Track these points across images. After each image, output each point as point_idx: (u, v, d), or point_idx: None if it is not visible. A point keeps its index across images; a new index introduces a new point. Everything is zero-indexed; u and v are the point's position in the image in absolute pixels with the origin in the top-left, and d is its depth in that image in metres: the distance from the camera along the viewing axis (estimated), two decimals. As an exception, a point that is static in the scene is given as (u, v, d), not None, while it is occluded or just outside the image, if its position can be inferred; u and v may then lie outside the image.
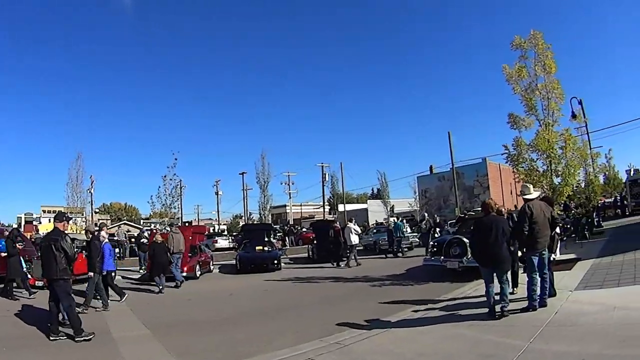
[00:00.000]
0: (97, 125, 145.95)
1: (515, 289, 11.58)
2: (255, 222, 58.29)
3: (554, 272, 12.76)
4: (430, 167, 61.07)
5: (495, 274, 9.72)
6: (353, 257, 25.17)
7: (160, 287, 17.29)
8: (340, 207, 71.04)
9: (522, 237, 9.83)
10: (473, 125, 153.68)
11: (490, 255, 9.64)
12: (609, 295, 10.11)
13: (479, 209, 13.03)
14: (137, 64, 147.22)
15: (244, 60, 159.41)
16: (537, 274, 9.69)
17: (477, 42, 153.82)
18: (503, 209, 12.56)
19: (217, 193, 80.00)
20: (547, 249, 9.95)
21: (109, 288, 14.53)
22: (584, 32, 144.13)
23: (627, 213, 40.05)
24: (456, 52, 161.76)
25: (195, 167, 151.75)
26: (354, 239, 25.56)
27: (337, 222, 35.56)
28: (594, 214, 31.21)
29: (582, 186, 27.55)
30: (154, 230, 28.44)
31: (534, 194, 10.57)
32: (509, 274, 10.29)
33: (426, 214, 32.85)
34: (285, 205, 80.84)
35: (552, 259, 11.12)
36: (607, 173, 48.16)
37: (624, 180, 48.17)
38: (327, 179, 69.92)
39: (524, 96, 15.36)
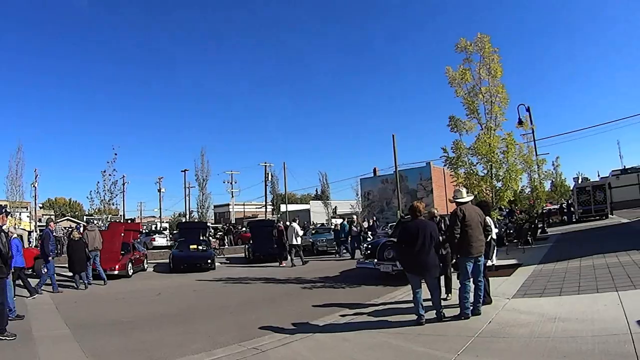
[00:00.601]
0: (41, 119, 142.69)
1: (449, 294, 11.35)
2: (191, 221, 57.10)
3: (492, 278, 12.56)
4: (374, 170, 61.41)
5: (423, 281, 9.37)
6: (298, 257, 25.14)
7: (85, 283, 17.70)
8: (283, 207, 70.65)
9: (454, 241, 9.38)
10: (419, 128, 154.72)
11: (417, 262, 9.24)
12: (549, 304, 9.75)
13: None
14: (80, 56, 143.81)
15: (186, 56, 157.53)
16: (470, 280, 9.34)
17: (428, 43, 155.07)
18: (435, 212, 12.25)
19: (159, 190, 79.81)
20: (482, 255, 9.58)
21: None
22: (542, 43, 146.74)
23: (574, 220, 41.06)
24: (404, 53, 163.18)
25: (139, 163, 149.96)
26: (298, 239, 25.50)
27: (282, 222, 35.38)
28: (538, 219, 31.53)
29: (527, 192, 27.73)
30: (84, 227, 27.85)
31: (467, 197, 10.17)
32: (448, 279, 10.05)
33: (355, 217, 32.62)
34: (228, 204, 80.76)
35: (490, 264, 10.93)
36: (553, 180, 48.62)
37: (571, 188, 48.76)
38: (269, 178, 69.82)
39: (466, 99, 15.12)
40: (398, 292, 12.87)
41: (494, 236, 10.95)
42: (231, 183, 72.23)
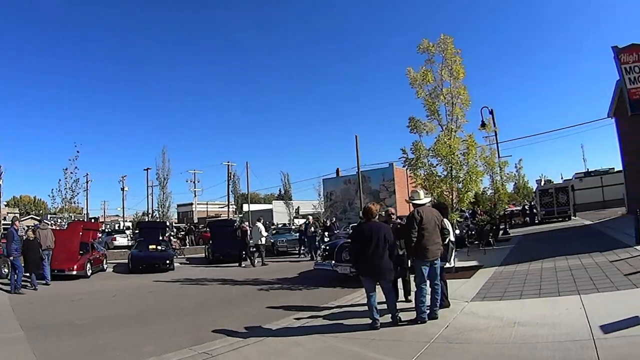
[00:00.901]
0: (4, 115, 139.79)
1: (409, 297, 11.12)
2: (150, 220, 56.34)
3: (452, 280, 12.48)
4: (337, 170, 61.36)
5: (378, 284, 9.20)
6: (260, 258, 25.08)
7: (44, 283, 17.84)
8: (246, 207, 69.94)
9: (410, 244, 9.23)
10: (383, 129, 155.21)
11: (371, 265, 9.04)
12: (509, 308, 9.64)
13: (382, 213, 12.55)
14: (43, 51, 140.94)
15: (154, 55, 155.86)
16: (427, 284, 9.19)
17: (392, 43, 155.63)
18: (393, 213, 12.09)
19: (122, 189, 78.20)
20: (439, 258, 9.45)
21: None
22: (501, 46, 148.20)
23: (536, 221, 41.47)
24: (367, 52, 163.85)
25: (104, 161, 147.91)
26: (262, 240, 25.45)
27: (245, 222, 35.16)
28: (500, 221, 31.71)
29: (489, 194, 27.81)
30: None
31: (424, 199, 10.00)
32: (406, 282, 9.92)
33: (310, 217, 32.51)
34: (191, 204, 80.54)
35: (449, 266, 10.82)
36: (516, 182, 49.16)
37: (534, 189, 49.29)
38: (232, 178, 69.66)
39: (427, 100, 15.00)
40: (356, 295, 12.66)
41: (452, 238, 10.80)
42: (194, 182, 72.74)
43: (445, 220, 10.19)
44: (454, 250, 11.09)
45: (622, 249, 15.44)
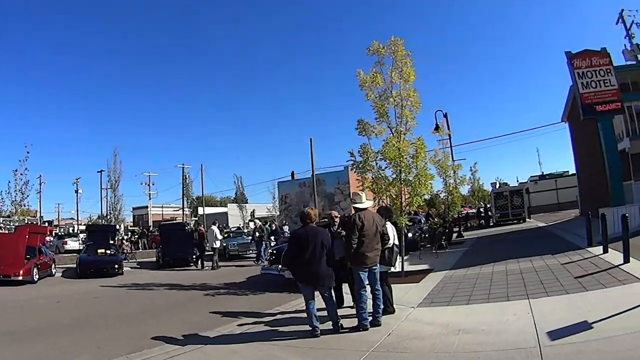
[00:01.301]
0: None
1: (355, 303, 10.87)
2: (100, 224, 55.37)
3: (400, 285, 12.29)
4: (292, 173, 61.23)
5: (317, 291, 8.96)
6: (212, 261, 24.94)
7: None
8: (201, 210, 69.32)
9: (349, 250, 8.90)
10: (338, 133, 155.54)
11: (308, 271, 8.78)
12: (456, 314, 9.44)
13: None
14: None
15: (103, 51, 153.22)
16: (366, 290, 8.96)
17: (348, 47, 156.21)
18: (336, 216, 11.74)
19: (76, 191, 77.05)
20: (378, 264, 9.20)
21: None
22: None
23: (491, 224, 41.97)
24: (326, 56, 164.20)
25: (58, 163, 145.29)
26: (217, 243, 25.52)
27: (202, 225, 34.87)
28: (454, 223, 31.80)
29: (442, 197, 27.84)
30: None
31: (366, 203, 9.67)
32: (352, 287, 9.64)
33: (257, 221, 32.25)
34: (147, 207, 78.88)
35: (394, 271, 10.61)
36: (472, 185, 49.57)
37: (489, 192, 49.77)
38: (187, 180, 68.91)
39: (376, 103, 14.80)
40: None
41: (397, 242, 10.55)
42: (149, 185, 71.21)
43: (388, 224, 9.96)
44: (399, 255, 10.80)
45: (574, 251, 15.55)
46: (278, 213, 62.83)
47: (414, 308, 10.30)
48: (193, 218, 67.17)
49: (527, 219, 40.86)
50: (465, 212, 53.03)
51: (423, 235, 23.78)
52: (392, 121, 14.79)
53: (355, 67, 15.18)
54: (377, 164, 14.90)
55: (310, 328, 8.65)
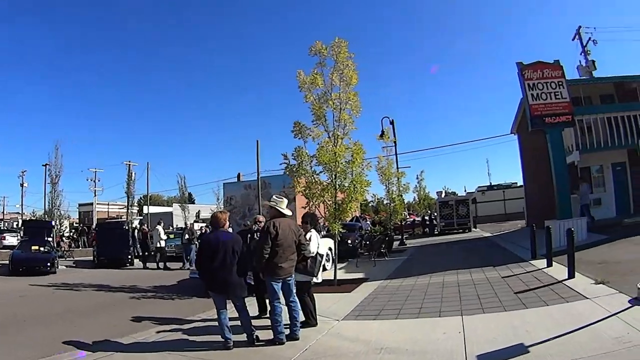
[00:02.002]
0: None
1: (263, 314, 10.40)
2: (36, 219, 53.91)
3: (331, 295, 11.90)
4: (238, 175, 60.68)
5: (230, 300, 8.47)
6: (154, 262, 25.00)
7: None
8: (146, 209, 68.31)
9: (261, 260, 8.34)
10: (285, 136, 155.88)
11: (217, 279, 8.24)
12: (381, 330, 8.92)
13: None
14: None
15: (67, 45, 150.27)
16: (280, 301, 8.45)
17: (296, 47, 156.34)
18: (260, 221, 11.15)
19: (22, 185, 74.56)
20: (292, 275, 8.70)
21: None
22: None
23: (436, 232, 41.94)
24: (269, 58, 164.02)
25: (4, 155, 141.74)
26: (162, 242, 25.50)
27: (146, 225, 34.29)
28: (397, 231, 31.61)
29: (385, 204, 27.62)
30: None
31: (285, 210, 9.08)
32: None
33: (188, 223, 31.75)
34: (92, 203, 77.21)
35: (319, 282, 10.15)
36: (418, 193, 49.78)
37: (435, 201, 50.01)
38: (132, 178, 66.53)
39: (314, 105, 14.36)
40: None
41: (321, 251, 10.06)
42: (94, 181, 70.04)
43: (313, 232, 9.52)
44: (320, 264, 10.26)
45: (516, 264, 15.24)
46: (224, 215, 62.19)
47: (338, 321, 9.82)
48: (138, 217, 65.80)
49: (472, 229, 40.86)
50: (412, 219, 53.32)
51: (363, 243, 23.40)
52: (329, 124, 14.41)
53: (297, 68, 14.67)
54: (312, 168, 14.46)
55: (223, 340, 8.16)
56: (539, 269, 13.50)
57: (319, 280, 10.46)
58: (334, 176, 14.21)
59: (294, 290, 8.77)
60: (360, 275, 15.95)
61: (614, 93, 26.63)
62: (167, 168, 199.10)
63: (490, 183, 66.27)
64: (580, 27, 32.15)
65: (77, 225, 61.42)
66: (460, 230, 40.03)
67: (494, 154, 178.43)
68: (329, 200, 14.37)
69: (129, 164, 66.04)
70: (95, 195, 71.52)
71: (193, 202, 68.73)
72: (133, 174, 65.79)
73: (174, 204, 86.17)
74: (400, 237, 32.40)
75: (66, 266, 27.15)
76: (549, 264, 13.64)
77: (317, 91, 14.52)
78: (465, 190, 68.04)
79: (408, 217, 59.60)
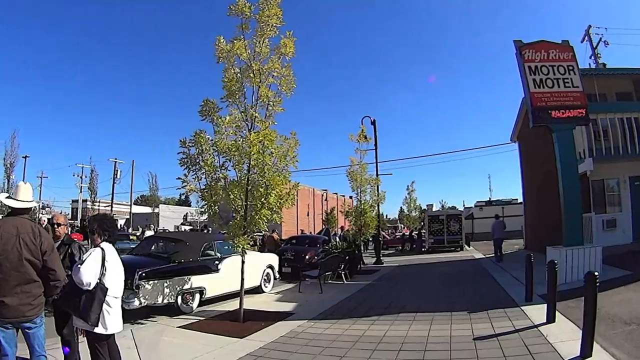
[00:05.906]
0: None
1: None
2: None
3: (218, 337, 8.64)
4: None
5: None
6: None
7: None
8: (135, 209, 67.78)
9: None
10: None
11: None
12: None
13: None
14: None
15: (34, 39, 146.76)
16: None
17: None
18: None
19: (-8, 176, 72.65)
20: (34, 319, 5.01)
21: None
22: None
23: (423, 250, 37.23)
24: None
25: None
26: None
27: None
28: (364, 248, 28.01)
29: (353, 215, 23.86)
30: None
31: (26, 203, 5.44)
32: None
33: (152, 226, 28.70)
34: (86, 200, 74.64)
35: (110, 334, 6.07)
36: (408, 205, 46.53)
37: (422, 214, 46.90)
38: (118, 175, 65.76)
39: (227, 77, 10.86)
40: None
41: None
42: (81, 177, 68.36)
43: (97, 249, 5.44)
44: (117, 307, 6.00)
45: (502, 310, 10.69)
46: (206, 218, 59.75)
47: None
48: (52, 212, 63.21)
49: (464, 247, 37.11)
50: (402, 233, 49.42)
51: (320, 261, 18.86)
52: (246, 103, 10.91)
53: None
54: (217, 159, 10.95)
55: None
56: (534, 327, 8.86)
57: (118, 330, 6.11)
58: (245, 171, 10.73)
59: (44, 342, 5.20)
60: (286, 308, 12.21)
61: (633, 91, 22.19)
62: (167, 168, 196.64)
63: (490, 198, 63.19)
64: (590, 26, 28.80)
65: (71, 221, 58.14)
66: (452, 249, 36.26)
67: (497, 170, 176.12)
68: (233, 204, 10.77)
69: (115, 161, 65.72)
70: (80, 192, 70.27)
71: (189, 205, 66.17)
72: (118, 172, 65.67)
73: (160, 204, 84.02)
74: (376, 253, 28.36)
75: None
76: (550, 319, 9.08)
77: (239, 62, 11.05)
78: (464, 205, 65.77)
79: (395, 231, 56.97)
